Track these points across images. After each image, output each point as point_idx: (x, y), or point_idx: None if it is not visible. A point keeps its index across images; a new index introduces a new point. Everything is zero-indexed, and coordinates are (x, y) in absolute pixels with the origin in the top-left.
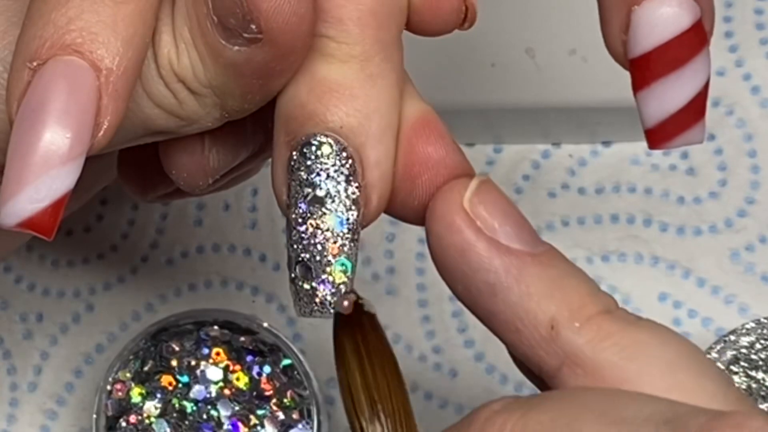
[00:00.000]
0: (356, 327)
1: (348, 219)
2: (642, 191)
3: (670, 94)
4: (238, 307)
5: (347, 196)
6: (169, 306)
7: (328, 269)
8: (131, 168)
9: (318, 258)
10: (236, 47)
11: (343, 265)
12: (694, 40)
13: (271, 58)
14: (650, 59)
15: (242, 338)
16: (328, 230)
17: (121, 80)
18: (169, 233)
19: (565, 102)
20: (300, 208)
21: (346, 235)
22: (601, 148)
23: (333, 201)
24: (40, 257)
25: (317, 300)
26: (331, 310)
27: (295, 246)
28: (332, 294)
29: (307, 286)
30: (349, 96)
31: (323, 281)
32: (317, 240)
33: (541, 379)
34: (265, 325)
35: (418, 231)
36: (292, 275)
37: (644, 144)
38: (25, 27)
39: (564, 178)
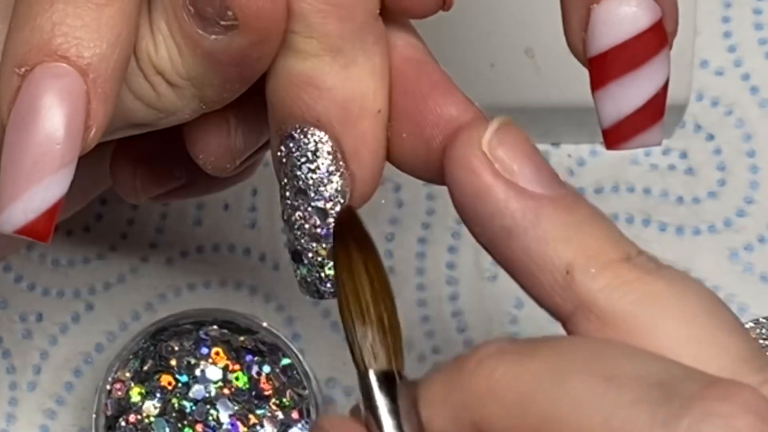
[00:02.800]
0: (355, 238)
1: (332, 209)
2: (641, 191)
3: (626, 95)
4: (237, 306)
5: (330, 187)
6: (169, 306)
7: (316, 257)
8: (123, 170)
9: (308, 246)
10: (213, 36)
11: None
12: (652, 41)
13: (247, 45)
14: (607, 58)
15: (241, 338)
16: (313, 220)
17: (108, 82)
18: (168, 233)
19: (564, 102)
20: (289, 199)
21: (331, 225)
22: (600, 147)
23: (316, 192)
24: (40, 257)
25: (311, 285)
26: (320, 296)
27: (289, 234)
28: (320, 281)
29: (303, 272)
30: (323, 88)
31: (312, 267)
32: (306, 231)
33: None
34: (265, 324)
35: (418, 231)
36: (291, 260)
37: None
38: (11, 31)
39: (563, 178)
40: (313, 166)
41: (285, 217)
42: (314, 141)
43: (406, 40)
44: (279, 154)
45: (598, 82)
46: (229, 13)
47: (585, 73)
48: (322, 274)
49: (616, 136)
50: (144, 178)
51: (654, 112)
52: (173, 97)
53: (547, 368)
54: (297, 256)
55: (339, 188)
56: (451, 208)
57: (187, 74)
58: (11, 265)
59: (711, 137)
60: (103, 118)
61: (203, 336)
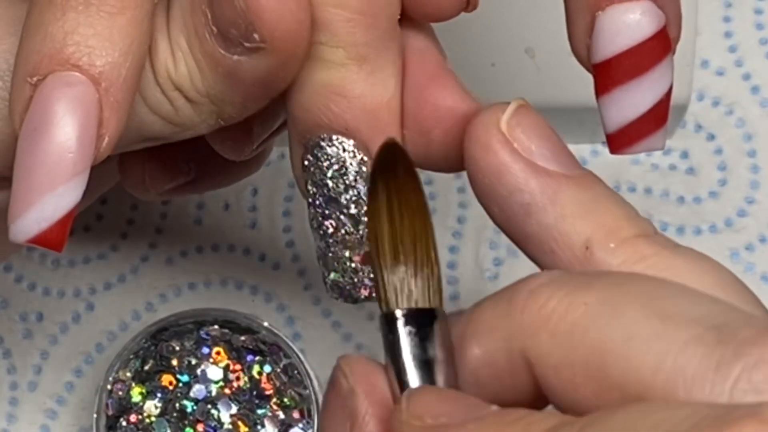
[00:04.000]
0: (392, 174)
1: (363, 215)
2: (642, 191)
3: (631, 101)
4: (238, 306)
5: (359, 193)
6: (169, 305)
7: (350, 263)
8: (132, 166)
9: (341, 254)
10: (236, 56)
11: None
12: (656, 48)
13: (273, 66)
14: (612, 65)
15: (242, 337)
16: (345, 227)
17: (120, 91)
18: (168, 233)
19: (565, 102)
20: (319, 207)
21: (363, 230)
22: (601, 147)
23: (347, 199)
24: (40, 256)
25: (345, 291)
26: (354, 301)
27: (320, 242)
28: (353, 287)
29: (334, 277)
30: (351, 97)
31: (345, 273)
32: (338, 237)
33: None
34: (266, 324)
35: None
36: (320, 266)
37: None
38: (23, 40)
39: None
40: (342, 174)
41: (315, 225)
42: (343, 149)
43: (406, 27)
44: (305, 163)
45: (602, 88)
46: (255, 35)
47: (585, 73)
48: (356, 279)
49: (620, 141)
50: (153, 173)
51: (658, 117)
52: (191, 113)
53: (601, 301)
54: (328, 263)
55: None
56: (451, 208)
57: (206, 91)
58: (12, 265)
59: (712, 137)
60: (116, 127)
61: (204, 336)
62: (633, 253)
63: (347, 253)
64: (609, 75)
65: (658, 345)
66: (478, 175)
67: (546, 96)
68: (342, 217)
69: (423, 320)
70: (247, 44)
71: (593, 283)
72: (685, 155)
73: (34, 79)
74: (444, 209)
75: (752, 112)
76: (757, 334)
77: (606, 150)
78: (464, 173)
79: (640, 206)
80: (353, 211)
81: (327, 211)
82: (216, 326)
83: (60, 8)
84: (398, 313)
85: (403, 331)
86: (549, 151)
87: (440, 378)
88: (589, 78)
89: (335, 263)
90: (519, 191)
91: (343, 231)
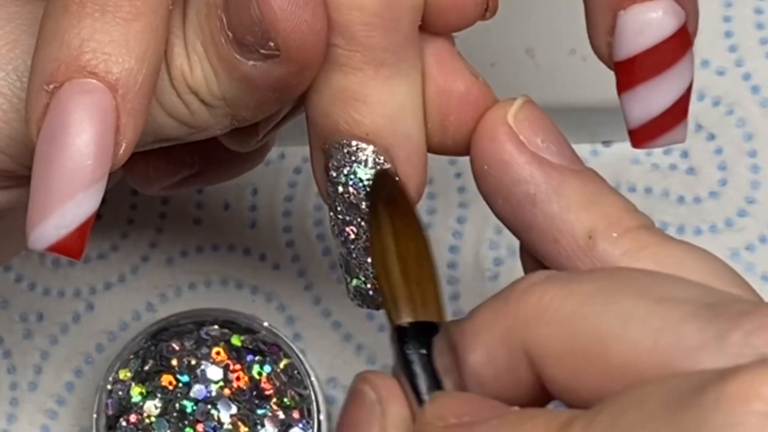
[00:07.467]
0: (390, 200)
1: None
2: (642, 191)
3: (654, 97)
4: (238, 306)
5: None
6: (169, 305)
7: (372, 269)
8: (136, 160)
9: (363, 260)
10: (251, 62)
11: None
12: (678, 44)
13: (288, 73)
14: (635, 63)
15: (242, 337)
16: (366, 234)
17: (137, 97)
18: (168, 233)
19: (565, 102)
20: (340, 213)
21: None
22: (601, 147)
23: (367, 206)
24: (40, 257)
25: (367, 296)
26: (376, 307)
27: (342, 248)
28: (376, 291)
29: (356, 283)
30: (369, 102)
31: (367, 279)
32: (360, 244)
33: None
34: (266, 324)
35: None
36: (342, 272)
37: None
38: (38, 48)
39: None
40: (365, 180)
41: (336, 232)
42: (365, 155)
43: None
44: (328, 166)
45: (625, 85)
46: (271, 43)
47: (585, 73)
48: (368, 284)
49: (643, 135)
50: (157, 166)
51: (679, 111)
52: (206, 116)
53: (595, 290)
54: (351, 270)
55: None
56: (451, 208)
57: (221, 95)
58: (11, 265)
59: (712, 137)
60: (133, 133)
61: (204, 336)
62: (635, 242)
63: (369, 260)
64: (632, 72)
65: (654, 323)
66: (485, 166)
67: (546, 96)
68: (363, 223)
69: (429, 332)
70: (262, 51)
71: (584, 277)
72: (685, 155)
73: (51, 86)
74: (444, 209)
75: (752, 112)
76: (751, 308)
77: (606, 150)
78: (464, 174)
79: (640, 206)
80: None
81: (348, 218)
82: (216, 326)
83: (76, 15)
84: (408, 326)
85: (414, 343)
86: (554, 145)
87: (449, 385)
88: (589, 78)
89: (357, 269)
90: (524, 182)
91: (364, 237)
